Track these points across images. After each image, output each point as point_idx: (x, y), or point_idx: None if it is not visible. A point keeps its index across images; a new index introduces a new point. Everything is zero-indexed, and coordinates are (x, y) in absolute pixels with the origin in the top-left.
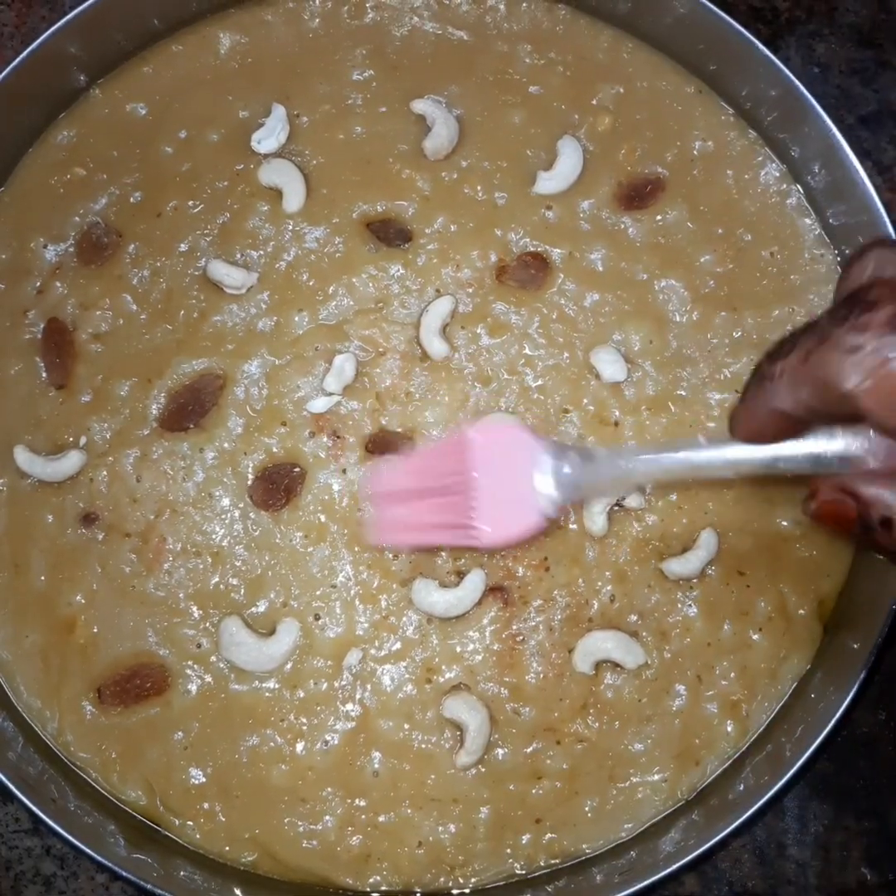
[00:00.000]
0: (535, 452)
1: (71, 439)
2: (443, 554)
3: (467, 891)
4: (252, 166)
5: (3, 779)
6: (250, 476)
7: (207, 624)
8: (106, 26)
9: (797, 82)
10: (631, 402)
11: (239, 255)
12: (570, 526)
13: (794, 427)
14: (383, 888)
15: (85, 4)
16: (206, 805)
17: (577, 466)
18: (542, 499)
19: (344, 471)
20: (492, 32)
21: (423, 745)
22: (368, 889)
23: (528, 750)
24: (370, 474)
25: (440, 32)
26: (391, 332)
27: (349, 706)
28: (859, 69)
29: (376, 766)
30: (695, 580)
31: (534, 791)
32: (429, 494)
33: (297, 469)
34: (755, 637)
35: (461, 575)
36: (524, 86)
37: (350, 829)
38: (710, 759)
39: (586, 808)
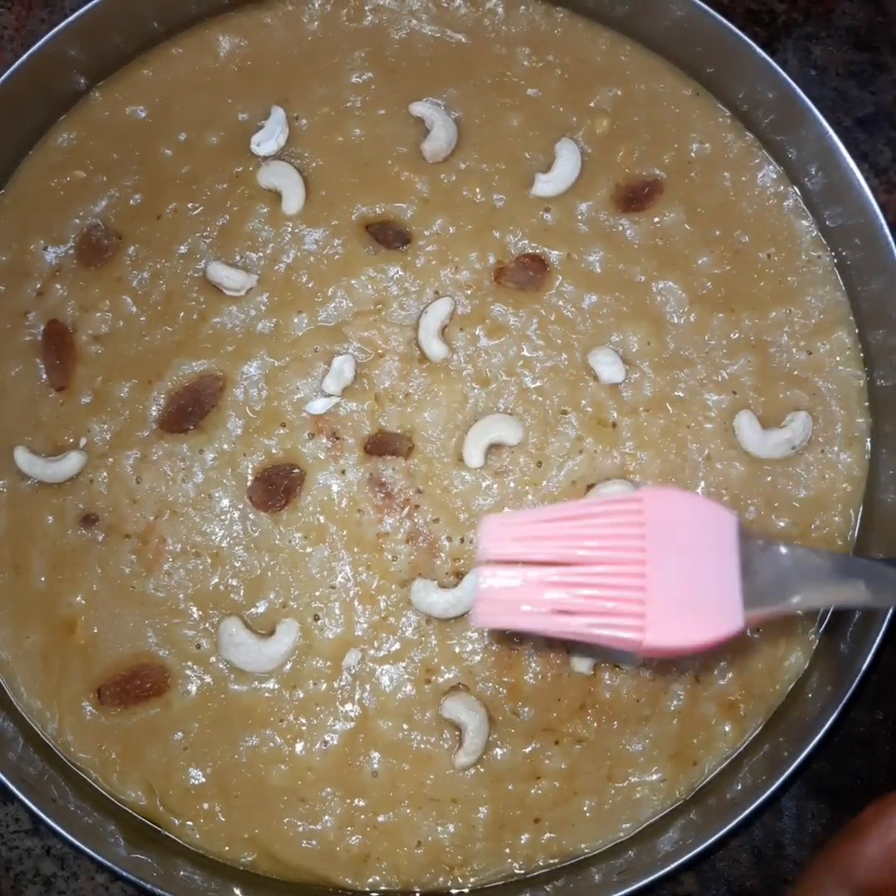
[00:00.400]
0: (736, 537)
1: (71, 441)
2: (442, 555)
3: (466, 890)
4: (251, 168)
5: (4, 779)
6: (250, 477)
7: (207, 625)
8: (106, 29)
9: (794, 85)
10: (629, 403)
11: (238, 257)
12: None
13: None
14: (382, 888)
15: (85, 7)
16: (205, 805)
17: (792, 563)
18: (739, 599)
19: (343, 472)
20: (490, 35)
21: (422, 746)
22: (367, 889)
23: (527, 750)
24: (488, 525)
25: (438, 35)
26: (390, 334)
27: (348, 706)
28: (856, 72)
29: (375, 766)
30: None
31: (532, 791)
32: (577, 567)
33: (296, 470)
34: (753, 637)
35: (460, 575)
36: (522, 88)
37: (349, 829)
38: (707, 759)
39: (585, 808)
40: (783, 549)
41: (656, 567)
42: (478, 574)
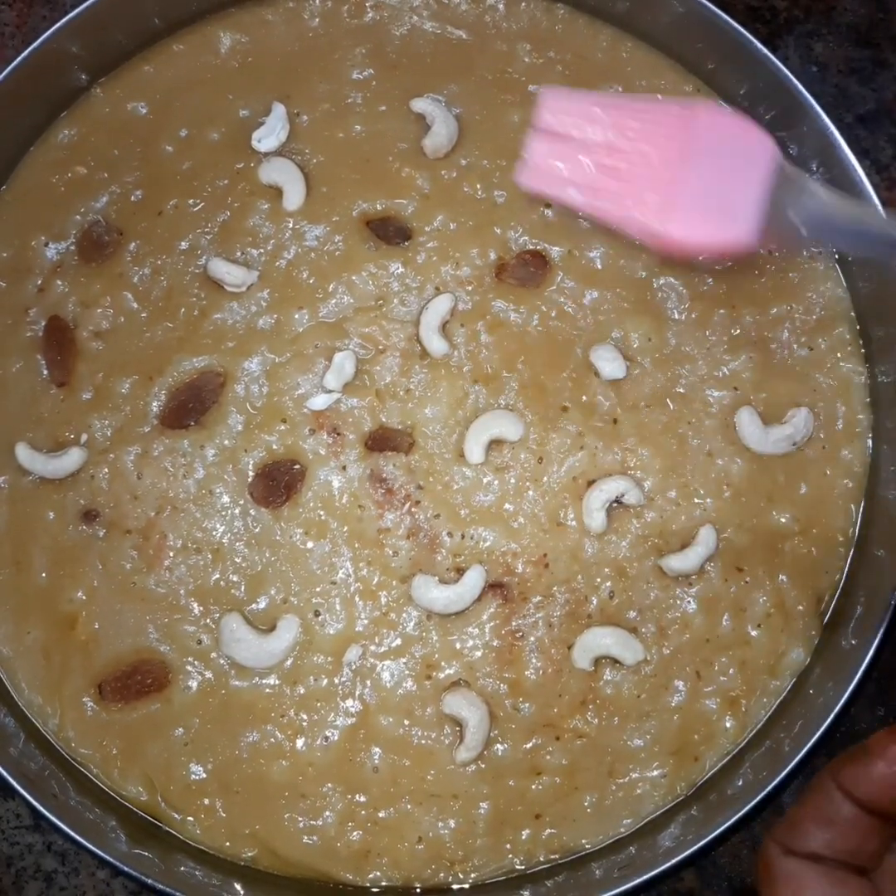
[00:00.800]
0: (771, 159)
1: (72, 437)
2: (443, 551)
3: (467, 886)
4: (252, 165)
5: (5, 775)
6: (250, 473)
7: (208, 620)
8: (107, 25)
9: (795, 81)
10: (630, 399)
11: (239, 253)
12: (569, 522)
13: None
14: (383, 884)
15: (86, 4)
16: (206, 801)
17: (818, 198)
18: (756, 214)
19: (344, 468)
20: (491, 31)
21: (423, 741)
22: (368, 884)
23: (528, 746)
24: (545, 95)
25: (439, 32)
26: (391, 330)
27: (349, 702)
28: (857, 68)
29: (376, 761)
30: (694, 576)
31: (533, 787)
32: (617, 153)
33: (297, 466)
34: (754, 633)
35: (461, 571)
36: (523, 85)
37: (350, 824)
38: (709, 755)
39: (586, 804)
40: (819, 189)
41: (688, 168)
42: (530, 139)
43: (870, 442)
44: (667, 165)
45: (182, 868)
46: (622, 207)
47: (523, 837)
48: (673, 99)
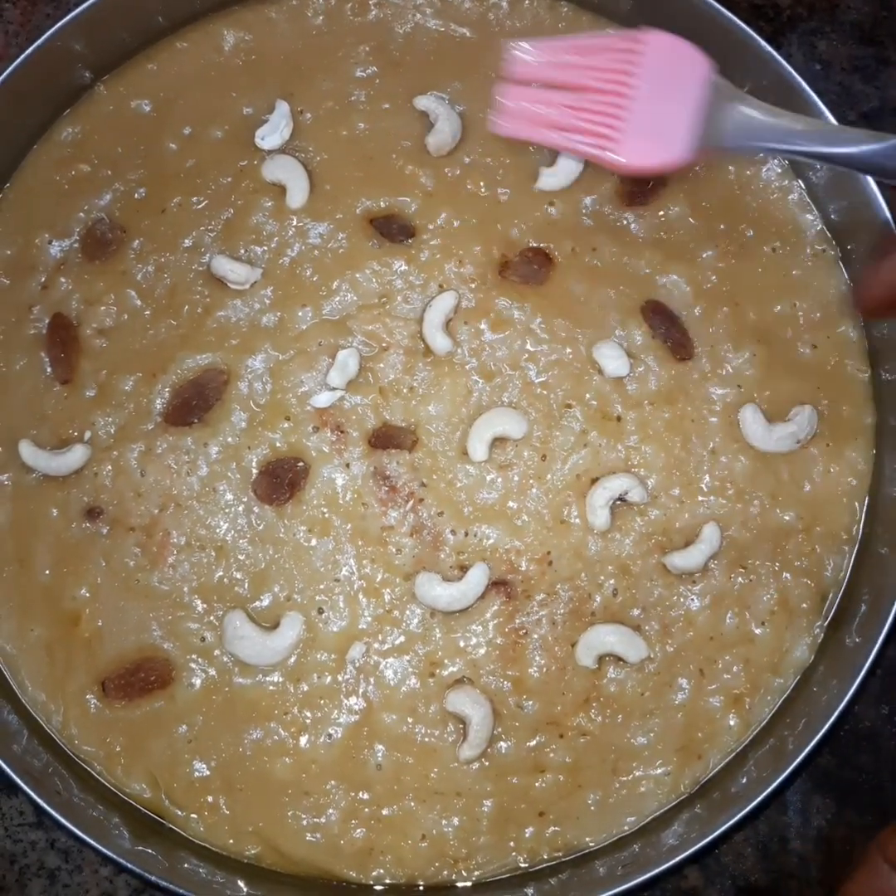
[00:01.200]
0: (708, 79)
1: (75, 434)
2: (446, 548)
3: (470, 884)
4: (256, 162)
5: (9, 772)
6: (254, 470)
7: (211, 618)
8: (110, 23)
9: (799, 79)
10: (633, 396)
11: (243, 251)
12: (573, 520)
13: None
14: (387, 881)
15: (89, 1)
16: (210, 798)
17: (749, 111)
18: (696, 132)
19: (347, 465)
20: (495, 29)
21: (427, 739)
22: (372, 882)
23: (531, 743)
24: (513, 48)
25: (443, 29)
26: (394, 328)
27: (352, 700)
28: (861, 66)
29: (380, 759)
30: (697, 574)
31: (537, 784)
32: (574, 89)
33: (300, 463)
34: (758, 631)
35: (464, 569)
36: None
37: (353, 822)
38: (712, 753)
39: (589, 802)
40: (747, 106)
41: (636, 100)
42: (503, 89)
43: (873, 440)
44: (621, 97)
45: (185, 865)
46: (587, 144)
47: (527, 835)
48: (624, 32)
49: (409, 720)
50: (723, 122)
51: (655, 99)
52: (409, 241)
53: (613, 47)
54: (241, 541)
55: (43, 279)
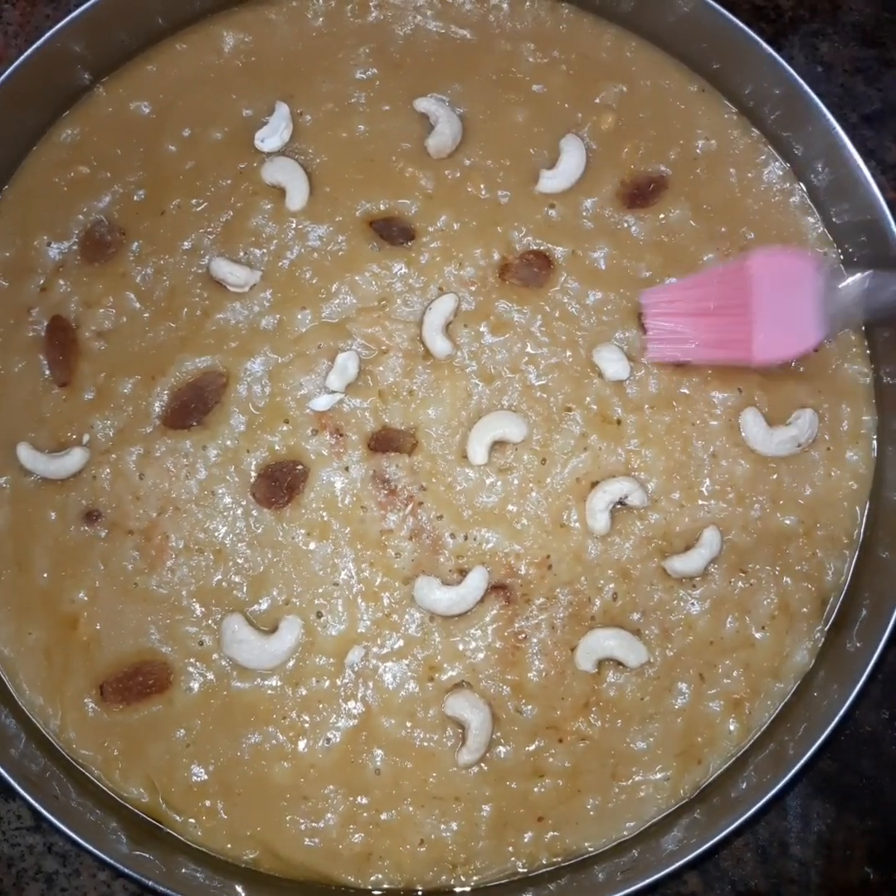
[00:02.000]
0: (815, 281)
1: (74, 437)
2: (445, 552)
3: (469, 889)
4: (255, 164)
5: (6, 776)
6: (253, 474)
7: (210, 621)
8: (110, 25)
9: (801, 81)
10: (633, 400)
11: (242, 253)
12: (573, 524)
13: None
14: (385, 886)
15: (89, 3)
16: (207, 803)
17: (854, 295)
18: (818, 324)
19: (347, 468)
20: (495, 31)
21: (425, 743)
22: (370, 887)
23: (531, 748)
24: (647, 292)
25: (443, 31)
26: (394, 330)
27: (351, 704)
28: (863, 68)
29: (378, 763)
30: (697, 578)
31: (536, 789)
32: (705, 314)
33: (299, 467)
34: (758, 635)
35: (463, 573)
36: (527, 84)
37: (352, 826)
38: (712, 758)
39: (588, 807)
40: (841, 285)
41: (759, 306)
42: (647, 325)
43: (875, 443)
44: (745, 309)
45: (183, 870)
46: (725, 351)
47: (525, 840)
48: (732, 261)
49: (408, 724)
50: (844, 298)
51: (777, 301)
52: (409, 243)
53: (728, 272)
54: (239, 544)
55: (42, 281)
